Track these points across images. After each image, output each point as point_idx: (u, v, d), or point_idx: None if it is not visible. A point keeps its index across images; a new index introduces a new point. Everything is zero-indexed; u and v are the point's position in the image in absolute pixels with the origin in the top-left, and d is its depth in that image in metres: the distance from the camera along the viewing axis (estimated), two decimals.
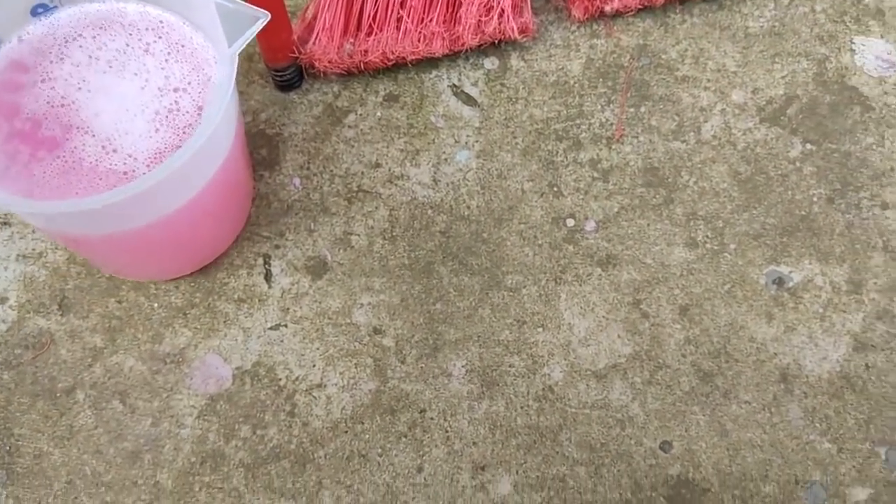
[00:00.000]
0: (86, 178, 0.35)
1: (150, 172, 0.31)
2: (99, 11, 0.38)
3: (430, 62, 0.49)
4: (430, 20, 0.46)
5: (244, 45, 0.33)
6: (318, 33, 0.46)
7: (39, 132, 0.35)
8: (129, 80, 0.37)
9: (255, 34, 0.33)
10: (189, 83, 0.37)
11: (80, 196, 0.34)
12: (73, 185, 0.35)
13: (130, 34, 0.38)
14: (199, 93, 0.37)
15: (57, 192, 0.34)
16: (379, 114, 0.48)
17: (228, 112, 0.34)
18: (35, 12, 0.37)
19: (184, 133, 0.36)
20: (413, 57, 0.47)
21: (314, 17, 0.47)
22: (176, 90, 0.37)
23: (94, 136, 0.36)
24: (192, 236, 0.40)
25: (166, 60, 0.37)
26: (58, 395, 0.41)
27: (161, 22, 0.38)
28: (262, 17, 0.33)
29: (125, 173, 0.35)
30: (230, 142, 0.36)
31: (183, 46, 0.38)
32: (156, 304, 0.43)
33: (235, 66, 0.33)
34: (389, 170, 0.47)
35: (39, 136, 0.35)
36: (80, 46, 0.37)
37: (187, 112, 0.36)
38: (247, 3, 0.33)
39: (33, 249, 0.44)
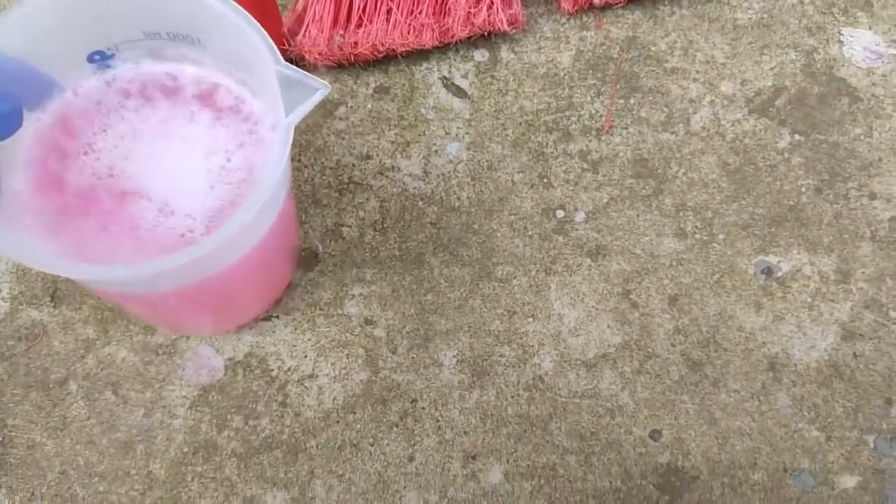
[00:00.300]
0: (143, 241, 0.34)
1: (207, 238, 0.29)
2: (150, 74, 0.36)
3: (420, 54, 0.49)
4: (420, 12, 0.47)
5: (302, 117, 0.31)
6: (307, 25, 0.46)
7: (90, 206, 0.34)
8: (176, 146, 0.35)
9: (314, 104, 0.31)
10: (240, 144, 0.35)
11: (137, 259, 0.33)
12: (127, 249, 0.33)
13: (174, 105, 0.36)
14: (252, 153, 0.35)
15: (111, 255, 0.33)
16: (369, 106, 0.48)
17: (281, 182, 0.32)
18: (92, 59, 0.35)
19: (238, 188, 0.35)
20: (403, 49, 0.47)
21: (304, 9, 0.47)
22: (225, 151, 0.35)
23: (150, 199, 0.34)
24: (229, 297, 0.39)
25: (213, 127, 0.36)
26: (51, 386, 0.42)
27: (210, 89, 0.36)
28: (323, 89, 0.31)
29: (183, 235, 0.34)
30: (277, 209, 0.35)
31: (237, 113, 0.36)
32: None
33: (291, 137, 0.31)
34: (380, 161, 0.47)
35: (92, 209, 0.34)
36: (123, 118, 0.36)
37: (239, 168, 0.35)
38: (309, 74, 0.31)
39: None
